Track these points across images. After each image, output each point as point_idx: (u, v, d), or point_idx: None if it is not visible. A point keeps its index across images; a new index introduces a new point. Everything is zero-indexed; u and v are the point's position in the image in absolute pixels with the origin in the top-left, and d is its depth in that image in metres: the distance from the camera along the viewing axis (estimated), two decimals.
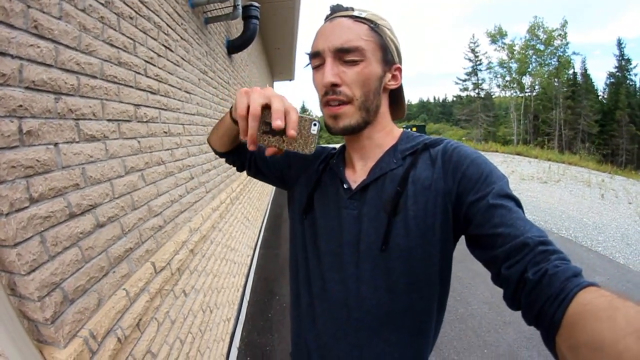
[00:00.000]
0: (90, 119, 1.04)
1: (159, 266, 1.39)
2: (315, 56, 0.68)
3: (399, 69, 0.72)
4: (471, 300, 3.34)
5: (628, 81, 38.53)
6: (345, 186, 0.73)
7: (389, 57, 0.69)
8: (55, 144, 0.88)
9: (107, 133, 1.14)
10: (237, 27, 3.67)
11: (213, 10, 2.59)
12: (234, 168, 1.04)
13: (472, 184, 0.59)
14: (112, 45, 1.15)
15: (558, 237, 5.68)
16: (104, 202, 1.09)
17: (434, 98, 79.81)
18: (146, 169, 1.44)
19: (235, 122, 0.73)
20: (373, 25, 0.67)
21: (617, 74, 39.20)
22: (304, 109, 70.97)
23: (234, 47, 3.23)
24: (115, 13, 1.17)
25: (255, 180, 4.78)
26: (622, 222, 6.92)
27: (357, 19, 0.66)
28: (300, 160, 0.89)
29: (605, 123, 37.31)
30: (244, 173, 1.03)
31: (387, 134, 0.74)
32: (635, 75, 39.32)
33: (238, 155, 0.94)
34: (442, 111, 71.69)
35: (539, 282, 0.45)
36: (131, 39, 1.29)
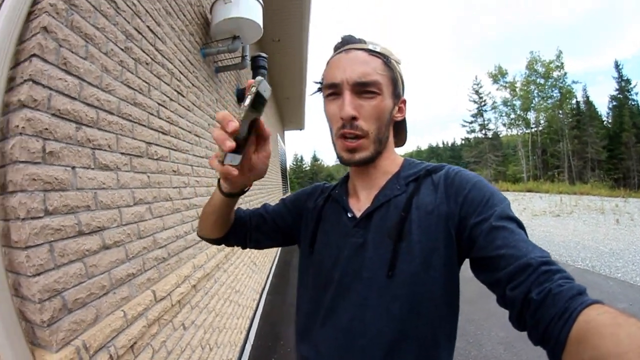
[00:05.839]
0: (105, 150, 1.16)
1: (160, 295, 1.43)
2: (331, 87, 0.69)
3: (404, 102, 0.75)
4: (485, 342, 3.16)
5: (630, 102, 38.19)
6: (349, 215, 0.74)
7: (398, 91, 0.72)
8: (73, 167, 0.99)
9: (119, 165, 1.25)
10: (247, 77, 3.97)
11: (223, 60, 2.86)
12: None
13: (474, 207, 0.61)
14: (129, 86, 1.32)
15: (574, 269, 5.46)
16: (111, 226, 1.17)
17: (443, 143, 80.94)
18: (154, 202, 1.54)
19: (225, 194, 0.72)
20: (386, 60, 0.69)
21: (618, 96, 39.02)
22: (315, 158, 72.48)
23: (244, 95, 3.46)
24: (133, 58, 1.36)
25: None
26: None
27: (371, 52, 0.69)
28: (299, 202, 0.91)
29: (613, 147, 36.85)
30: None
31: (391, 162, 0.76)
32: (637, 94, 38.46)
33: (235, 234, 0.89)
34: (451, 155, 72.34)
35: (543, 302, 0.46)
36: (146, 82, 1.47)
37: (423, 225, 0.65)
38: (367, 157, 0.69)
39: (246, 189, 0.73)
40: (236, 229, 0.88)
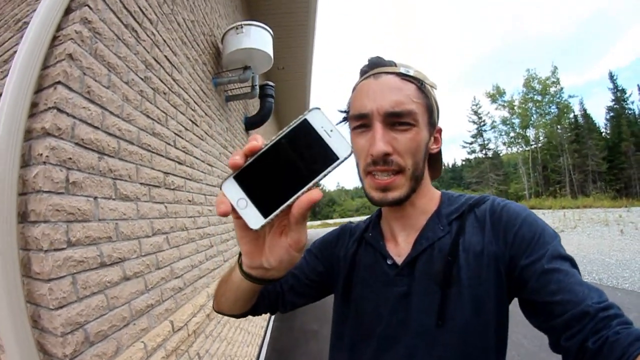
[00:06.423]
0: (126, 180, 1.16)
1: (177, 326, 1.40)
2: (360, 118, 0.61)
3: (440, 131, 0.69)
4: None
5: (627, 111, 38.59)
6: (389, 262, 0.67)
7: (433, 120, 0.65)
8: (95, 198, 0.98)
9: (139, 195, 1.25)
10: (254, 105, 4.04)
11: (233, 89, 2.92)
12: None
13: (525, 246, 0.57)
14: (148, 116, 1.34)
15: None
16: (131, 257, 1.16)
17: (444, 164, 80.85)
18: (171, 232, 1.53)
19: (249, 276, 0.47)
20: (420, 85, 0.62)
21: (615, 106, 39.47)
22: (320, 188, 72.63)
23: (251, 123, 3.54)
24: (152, 88, 1.39)
25: None
26: None
27: (404, 77, 0.62)
28: (327, 250, 0.82)
29: (613, 158, 37.05)
30: None
31: (429, 199, 0.69)
32: (632, 103, 39.36)
33: (265, 303, 0.75)
34: (452, 176, 72.48)
35: (599, 351, 0.44)
36: (164, 112, 1.50)
37: (472, 268, 0.60)
38: (401, 196, 0.61)
39: (272, 278, 0.47)
40: (265, 297, 0.74)
